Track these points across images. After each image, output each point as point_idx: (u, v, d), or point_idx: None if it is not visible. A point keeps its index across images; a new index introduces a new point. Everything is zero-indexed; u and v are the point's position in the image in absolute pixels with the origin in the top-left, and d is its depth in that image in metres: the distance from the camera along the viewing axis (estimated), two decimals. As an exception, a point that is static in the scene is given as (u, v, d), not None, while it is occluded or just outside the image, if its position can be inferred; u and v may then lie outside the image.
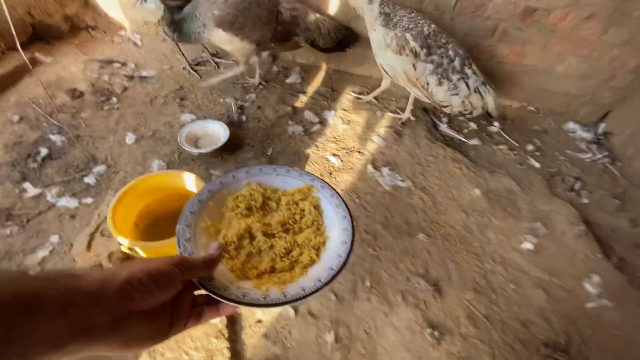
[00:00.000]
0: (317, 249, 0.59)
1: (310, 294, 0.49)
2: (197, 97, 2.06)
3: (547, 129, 2.29)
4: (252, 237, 0.60)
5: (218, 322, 1.13)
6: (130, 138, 1.74)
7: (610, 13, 1.84)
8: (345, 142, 1.92)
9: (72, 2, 2.31)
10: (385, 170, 1.77)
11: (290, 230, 0.63)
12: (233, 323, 1.17)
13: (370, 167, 1.78)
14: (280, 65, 2.41)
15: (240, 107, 2.01)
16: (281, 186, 0.68)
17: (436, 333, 1.21)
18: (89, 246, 1.19)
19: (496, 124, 2.26)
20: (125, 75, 2.11)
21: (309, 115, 2.03)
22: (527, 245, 1.52)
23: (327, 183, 0.67)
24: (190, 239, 0.54)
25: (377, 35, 1.75)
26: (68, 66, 2.10)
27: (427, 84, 1.75)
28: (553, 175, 1.98)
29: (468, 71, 1.73)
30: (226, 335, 1.12)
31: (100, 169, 1.57)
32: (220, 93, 2.10)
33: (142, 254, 1.12)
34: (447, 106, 1.82)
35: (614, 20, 1.86)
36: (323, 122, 2.02)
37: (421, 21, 1.70)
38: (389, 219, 1.56)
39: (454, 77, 1.71)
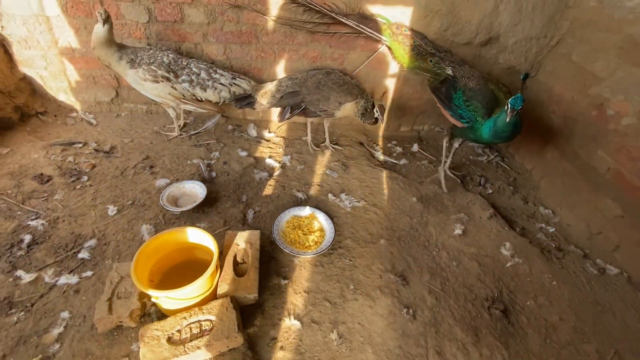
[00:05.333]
0: (323, 237, 1.86)
1: (323, 250, 1.76)
2: (165, 162, 2.27)
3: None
4: (299, 237, 1.84)
5: (241, 345, 1.34)
6: (112, 210, 1.87)
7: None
8: (305, 179, 2.29)
9: (20, 93, 2.38)
10: (343, 195, 2.16)
11: (311, 231, 1.88)
12: (254, 345, 1.38)
13: (330, 195, 2.16)
14: (234, 123, 2.75)
15: (209, 165, 2.27)
16: (303, 214, 1.97)
17: (411, 311, 1.57)
18: (110, 310, 1.32)
19: (415, 145, 2.87)
20: (90, 154, 2.23)
21: (270, 162, 2.37)
22: (458, 232, 2.01)
23: (320, 210, 1.97)
24: (278, 240, 1.79)
25: (130, 76, 2.13)
26: (27, 154, 2.15)
27: (194, 95, 2.22)
28: (464, 177, 2.59)
29: (216, 76, 2.24)
30: (250, 355, 1.33)
31: (91, 243, 1.68)
32: (186, 156, 2.34)
33: (166, 302, 1.31)
34: (223, 101, 2.30)
35: (475, 62, 2.61)
36: (283, 166, 2.37)
37: (159, 54, 2.14)
38: (356, 234, 1.94)
39: (209, 83, 2.21)
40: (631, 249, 1.97)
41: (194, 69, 2.20)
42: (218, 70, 2.28)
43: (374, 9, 2.31)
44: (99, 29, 1.95)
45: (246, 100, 2.31)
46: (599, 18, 2.18)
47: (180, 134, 2.50)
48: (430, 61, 2.34)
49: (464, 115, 2.05)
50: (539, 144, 2.65)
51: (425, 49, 2.32)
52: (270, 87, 2.31)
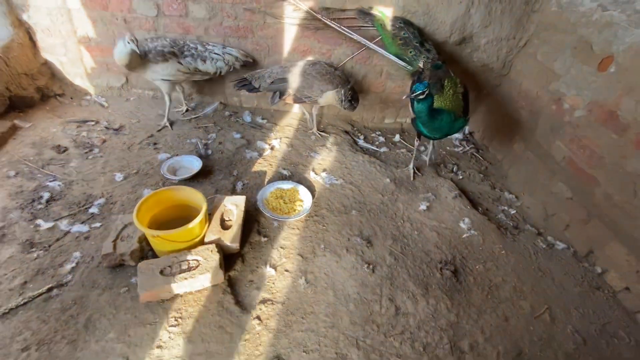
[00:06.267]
0: (301, 206, 2.07)
1: (300, 216, 2.04)
2: (167, 140, 2.55)
3: (432, 135, 3.20)
4: (280, 205, 2.08)
5: (221, 283, 1.60)
6: (118, 177, 2.14)
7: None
8: (291, 160, 2.55)
9: (42, 76, 2.68)
10: (323, 174, 2.42)
11: (291, 201, 2.11)
12: (234, 284, 1.64)
13: (312, 173, 2.42)
14: (231, 110, 3.02)
15: (205, 144, 2.55)
16: (286, 187, 2.23)
17: (371, 267, 1.82)
18: (114, 248, 1.58)
19: (397, 135, 3.12)
20: (101, 131, 2.52)
21: (261, 144, 2.64)
22: (423, 207, 2.25)
23: (301, 184, 2.24)
24: (262, 206, 2.04)
25: (149, 69, 2.41)
26: (47, 128, 2.44)
27: (197, 68, 2.52)
28: (439, 164, 2.83)
29: (209, 47, 2.55)
30: (229, 291, 1.59)
31: (100, 201, 1.96)
32: (186, 136, 2.62)
33: (161, 243, 1.57)
34: (219, 71, 2.60)
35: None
36: (272, 148, 2.64)
37: (159, 39, 2.43)
38: (331, 205, 2.19)
39: (207, 54, 2.53)
40: (578, 226, 2.20)
41: (190, 45, 2.50)
42: (210, 43, 2.59)
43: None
44: (133, 50, 2.19)
45: (242, 82, 2.60)
46: (558, 21, 2.43)
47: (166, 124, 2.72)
48: (410, 52, 2.51)
49: (415, 106, 2.26)
50: (509, 136, 2.89)
51: (411, 41, 2.49)
52: (263, 73, 2.59)
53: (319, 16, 2.51)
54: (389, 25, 2.53)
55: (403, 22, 2.54)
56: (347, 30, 2.53)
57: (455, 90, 2.20)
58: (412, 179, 2.55)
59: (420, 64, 2.43)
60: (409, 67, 2.54)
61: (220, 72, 2.62)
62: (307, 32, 2.68)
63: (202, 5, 2.52)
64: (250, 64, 2.71)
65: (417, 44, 2.51)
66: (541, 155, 2.54)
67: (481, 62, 2.87)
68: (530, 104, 2.68)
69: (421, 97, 1.91)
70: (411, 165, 2.61)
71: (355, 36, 2.55)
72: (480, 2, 2.55)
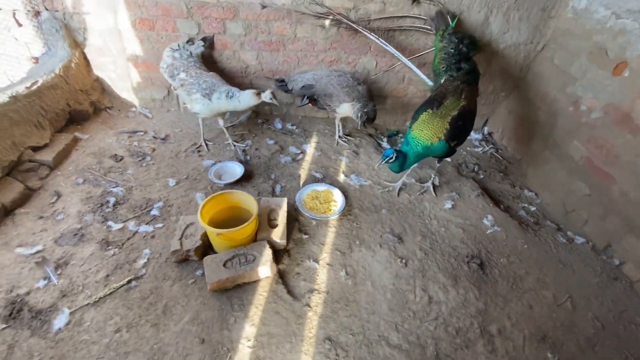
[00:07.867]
0: (336, 206, 2.29)
1: (336, 215, 2.24)
2: (209, 148, 2.79)
3: (452, 136, 3.35)
4: (316, 205, 2.28)
5: (274, 275, 1.81)
6: (171, 182, 2.39)
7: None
8: (322, 163, 2.76)
9: (94, 91, 2.96)
10: (352, 176, 2.62)
11: (326, 201, 2.29)
12: (283, 276, 1.86)
13: (342, 176, 2.62)
14: (262, 118, 3.25)
15: (244, 151, 2.78)
16: (320, 189, 2.43)
17: (404, 261, 2.01)
18: (181, 245, 1.82)
19: (419, 137, 3.28)
20: (150, 140, 2.78)
21: (292, 149, 2.86)
22: (448, 206, 2.43)
23: (334, 186, 2.45)
24: (300, 206, 2.22)
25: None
26: (103, 139, 2.71)
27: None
28: (460, 164, 2.99)
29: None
30: (281, 282, 1.81)
31: (159, 204, 2.21)
32: (225, 144, 2.86)
33: (221, 240, 1.80)
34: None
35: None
36: (304, 152, 2.85)
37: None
38: (362, 205, 2.38)
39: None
40: (596, 222, 2.34)
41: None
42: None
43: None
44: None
45: (281, 83, 2.88)
46: (574, 27, 2.56)
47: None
48: (442, 67, 2.53)
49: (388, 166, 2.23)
50: (528, 136, 3.03)
51: (451, 57, 2.48)
52: (296, 77, 2.84)
53: (357, 27, 2.67)
54: (446, 36, 2.53)
55: (458, 38, 2.50)
56: (383, 41, 2.67)
57: (447, 112, 2.16)
58: (434, 194, 2.51)
59: (442, 80, 2.54)
60: (429, 82, 2.68)
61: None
62: (334, 44, 2.88)
63: (239, 22, 2.75)
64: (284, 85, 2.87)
65: (454, 62, 2.47)
66: (559, 154, 2.67)
67: (499, 66, 3.02)
68: (547, 105, 2.81)
69: (391, 161, 2.09)
70: (431, 185, 2.58)
71: (390, 48, 2.69)
72: (498, 11, 2.71)
